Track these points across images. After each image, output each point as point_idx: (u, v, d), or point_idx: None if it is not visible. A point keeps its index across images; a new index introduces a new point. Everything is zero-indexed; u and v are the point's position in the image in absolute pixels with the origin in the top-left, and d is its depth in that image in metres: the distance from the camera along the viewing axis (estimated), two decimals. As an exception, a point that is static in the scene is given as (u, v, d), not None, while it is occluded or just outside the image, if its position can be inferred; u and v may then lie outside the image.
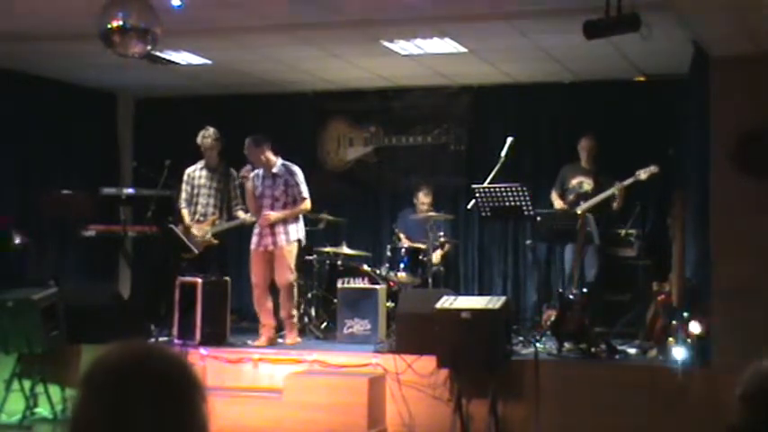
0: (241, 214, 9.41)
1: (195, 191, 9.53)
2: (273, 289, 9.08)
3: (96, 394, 1.74)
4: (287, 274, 8.85)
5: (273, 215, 8.83)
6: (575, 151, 9.58)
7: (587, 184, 9.39)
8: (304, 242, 9.12)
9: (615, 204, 9.14)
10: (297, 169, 8.98)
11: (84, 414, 1.74)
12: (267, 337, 8.90)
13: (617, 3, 6.29)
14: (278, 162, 8.96)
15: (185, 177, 9.55)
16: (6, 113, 10.02)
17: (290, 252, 8.90)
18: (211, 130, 9.54)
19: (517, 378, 7.61)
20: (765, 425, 1.91)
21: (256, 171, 8.97)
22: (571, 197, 9.43)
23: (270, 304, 8.99)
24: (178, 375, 1.78)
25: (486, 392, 7.44)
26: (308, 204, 8.99)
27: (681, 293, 7.69)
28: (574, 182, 9.48)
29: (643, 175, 8.92)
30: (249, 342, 8.97)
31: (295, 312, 9.01)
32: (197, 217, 9.51)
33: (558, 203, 9.46)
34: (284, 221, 8.87)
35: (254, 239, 8.97)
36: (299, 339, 9.00)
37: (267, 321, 8.96)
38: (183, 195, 9.55)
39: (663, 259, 8.76)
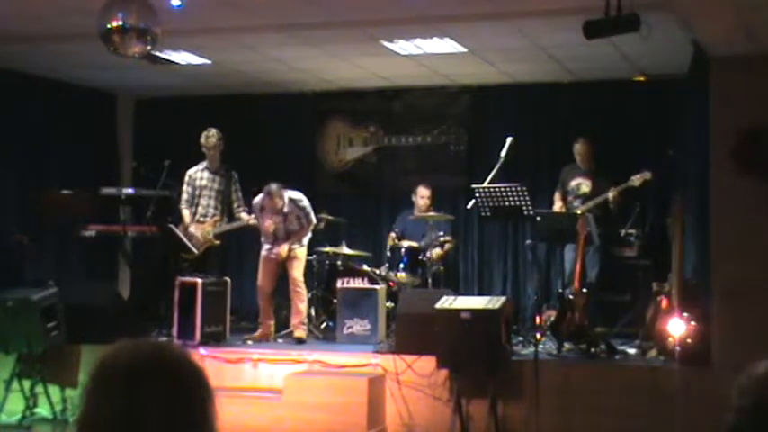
0: (243, 216, 9.43)
1: (197, 192, 9.54)
2: (277, 293, 9.29)
3: (108, 393, 1.72)
4: (298, 274, 9.14)
5: (285, 250, 9.09)
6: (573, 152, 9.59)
7: (585, 186, 9.40)
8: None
9: (612, 206, 9.12)
10: (302, 198, 9.22)
11: (95, 413, 1.72)
12: (263, 332, 9.14)
13: (617, 3, 6.29)
14: (285, 200, 9.10)
15: (186, 178, 9.56)
16: (6, 113, 10.01)
17: (303, 254, 9.25)
18: (214, 131, 9.54)
19: (517, 378, 7.60)
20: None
21: (259, 203, 9.14)
22: (570, 199, 9.44)
23: (272, 305, 9.27)
24: (189, 375, 1.78)
25: (486, 392, 7.44)
26: (313, 225, 9.31)
27: (681, 293, 7.69)
28: (572, 183, 9.48)
29: (636, 181, 8.93)
30: (245, 337, 9.15)
31: (304, 310, 9.13)
32: (197, 218, 9.52)
33: (558, 205, 9.46)
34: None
35: (267, 247, 9.21)
36: (305, 336, 9.07)
37: (267, 321, 9.20)
38: (185, 196, 9.56)
39: (663, 259, 8.76)
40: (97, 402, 1.73)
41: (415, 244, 9.73)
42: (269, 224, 9.10)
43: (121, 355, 1.76)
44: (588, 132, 9.62)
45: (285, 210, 9.11)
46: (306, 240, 9.27)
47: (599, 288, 9.11)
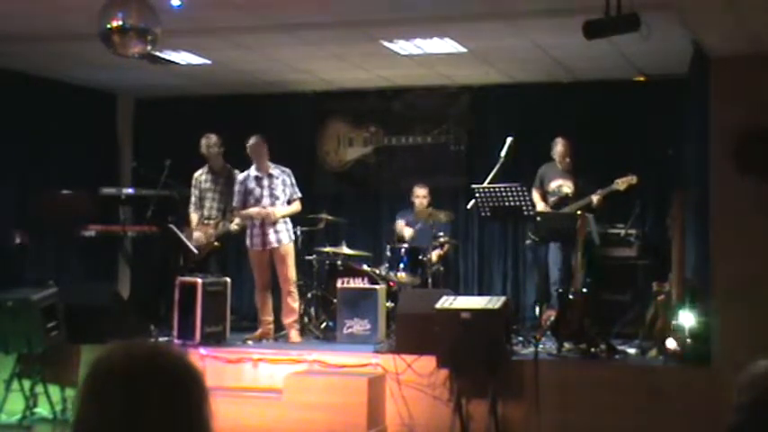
0: (236, 220, 9.41)
1: (202, 194, 9.63)
2: (275, 293, 9.25)
3: (104, 396, 1.71)
4: (291, 272, 9.05)
5: (278, 213, 8.97)
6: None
7: (567, 188, 9.38)
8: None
9: (594, 210, 9.09)
10: (289, 171, 9.21)
11: (91, 416, 1.71)
12: (263, 331, 9.11)
13: (617, 3, 6.29)
14: (270, 164, 9.13)
15: (193, 182, 9.68)
16: (6, 113, 10.01)
17: (292, 249, 9.16)
18: (213, 138, 9.57)
19: (517, 378, 7.60)
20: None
21: (247, 173, 9.09)
22: (553, 200, 9.42)
23: (270, 302, 9.20)
24: (184, 374, 1.77)
25: (486, 392, 7.44)
26: (300, 204, 9.22)
27: (681, 293, 7.69)
28: (553, 185, 9.46)
29: (621, 185, 8.92)
30: (245, 337, 9.15)
31: (297, 309, 9.13)
32: (203, 220, 9.57)
33: (540, 205, 9.41)
34: (283, 219, 9.06)
35: (256, 240, 9.04)
36: (300, 339, 9.06)
37: (266, 318, 9.17)
38: (192, 199, 9.66)
39: (663, 259, 8.76)
40: (93, 405, 1.72)
41: (414, 242, 9.73)
42: (254, 188, 9.00)
43: (116, 357, 1.75)
44: (563, 132, 9.60)
45: (271, 171, 9.06)
46: (292, 234, 9.15)
47: (595, 287, 9.10)
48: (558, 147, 9.46)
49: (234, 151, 9.78)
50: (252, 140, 9.07)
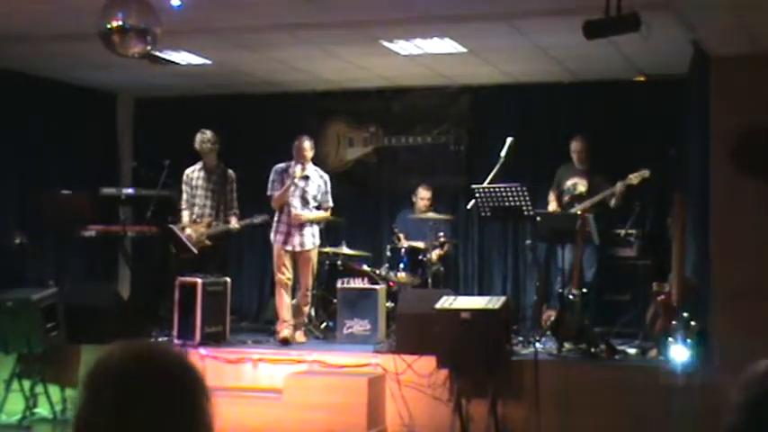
0: (232, 221, 9.38)
1: (193, 192, 9.50)
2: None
3: (101, 396, 1.72)
4: (309, 279, 9.06)
5: (305, 215, 8.98)
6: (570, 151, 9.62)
7: (582, 186, 9.40)
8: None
9: (614, 201, 9.10)
10: (327, 177, 9.24)
11: (89, 416, 1.72)
12: (287, 334, 8.92)
13: (617, 3, 6.29)
14: (310, 165, 9.12)
15: (184, 178, 9.50)
16: (6, 113, 10.01)
17: (315, 255, 9.17)
18: (209, 134, 9.47)
19: (517, 378, 7.60)
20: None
21: (287, 164, 9.07)
22: (566, 198, 9.44)
23: (289, 301, 9.08)
24: (182, 374, 1.77)
25: (486, 392, 7.45)
26: (329, 213, 9.25)
27: (681, 293, 7.69)
28: (568, 183, 9.48)
29: (635, 179, 8.92)
30: (271, 340, 9.06)
31: (306, 312, 9.16)
32: (194, 218, 9.48)
33: (553, 205, 9.45)
34: (310, 224, 9.08)
35: (280, 238, 9.03)
36: (305, 339, 9.08)
37: (287, 318, 9.02)
38: (184, 196, 9.54)
39: (663, 259, 8.76)
40: (89, 406, 1.73)
41: (415, 244, 9.73)
42: (290, 188, 8.96)
43: (114, 357, 1.76)
44: (587, 132, 9.63)
45: (308, 172, 9.06)
46: (318, 240, 9.15)
47: (598, 288, 9.11)
48: (576, 145, 9.48)
49: (233, 151, 9.79)
50: (295, 141, 9.08)
